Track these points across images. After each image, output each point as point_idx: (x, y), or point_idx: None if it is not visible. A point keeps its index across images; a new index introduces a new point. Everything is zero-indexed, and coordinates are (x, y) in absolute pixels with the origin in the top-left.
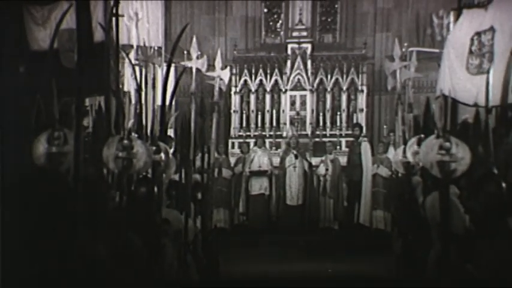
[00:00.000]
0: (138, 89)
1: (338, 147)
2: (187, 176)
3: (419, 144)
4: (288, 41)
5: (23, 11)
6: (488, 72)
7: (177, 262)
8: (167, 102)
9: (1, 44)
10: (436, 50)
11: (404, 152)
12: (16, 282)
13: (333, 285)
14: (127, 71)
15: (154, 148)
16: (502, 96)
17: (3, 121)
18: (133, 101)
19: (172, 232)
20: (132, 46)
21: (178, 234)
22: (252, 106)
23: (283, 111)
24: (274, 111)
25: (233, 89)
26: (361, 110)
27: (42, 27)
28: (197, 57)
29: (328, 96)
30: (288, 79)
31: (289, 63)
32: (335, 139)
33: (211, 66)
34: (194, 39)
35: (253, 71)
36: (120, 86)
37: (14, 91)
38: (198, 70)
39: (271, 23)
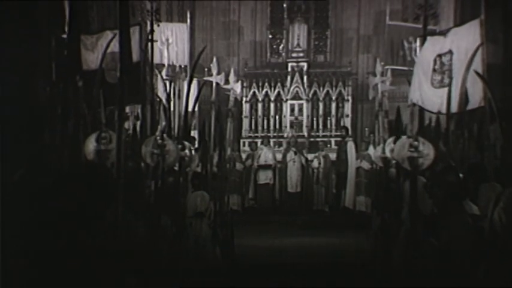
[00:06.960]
0: (168, 99)
1: (328, 145)
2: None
3: (395, 143)
4: (288, 60)
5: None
6: (448, 86)
7: (199, 236)
8: (190, 109)
9: (61, 65)
10: (407, 68)
11: (382, 149)
12: (73, 250)
13: (323, 256)
14: (159, 84)
15: (180, 146)
16: (459, 105)
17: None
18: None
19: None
20: (164, 65)
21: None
22: (259, 112)
23: (284, 116)
24: (277, 117)
25: (244, 99)
26: (347, 116)
27: (91, 52)
28: (217, 74)
29: (321, 105)
30: (288, 91)
31: (289, 78)
32: (326, 139)
33: (226, 81)
34: (214, 59)
35: (260, 84)
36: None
37: (73, 101)
38: (217, 84)
39: (274, 46)
